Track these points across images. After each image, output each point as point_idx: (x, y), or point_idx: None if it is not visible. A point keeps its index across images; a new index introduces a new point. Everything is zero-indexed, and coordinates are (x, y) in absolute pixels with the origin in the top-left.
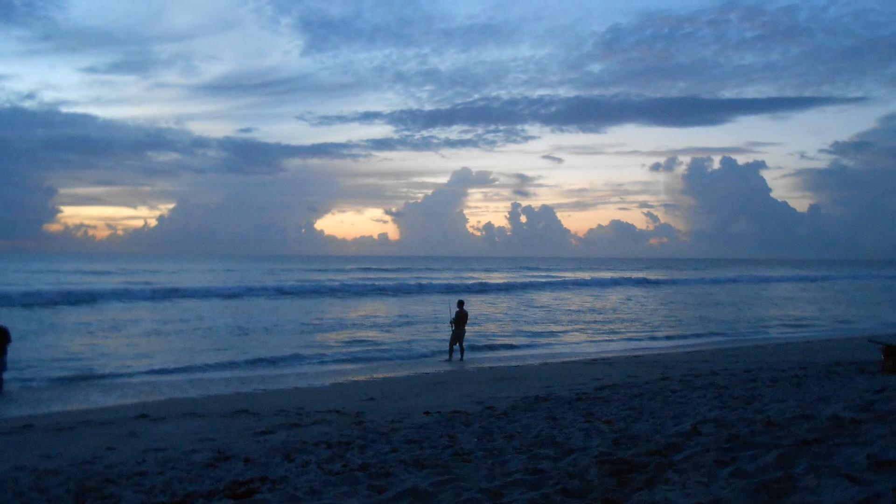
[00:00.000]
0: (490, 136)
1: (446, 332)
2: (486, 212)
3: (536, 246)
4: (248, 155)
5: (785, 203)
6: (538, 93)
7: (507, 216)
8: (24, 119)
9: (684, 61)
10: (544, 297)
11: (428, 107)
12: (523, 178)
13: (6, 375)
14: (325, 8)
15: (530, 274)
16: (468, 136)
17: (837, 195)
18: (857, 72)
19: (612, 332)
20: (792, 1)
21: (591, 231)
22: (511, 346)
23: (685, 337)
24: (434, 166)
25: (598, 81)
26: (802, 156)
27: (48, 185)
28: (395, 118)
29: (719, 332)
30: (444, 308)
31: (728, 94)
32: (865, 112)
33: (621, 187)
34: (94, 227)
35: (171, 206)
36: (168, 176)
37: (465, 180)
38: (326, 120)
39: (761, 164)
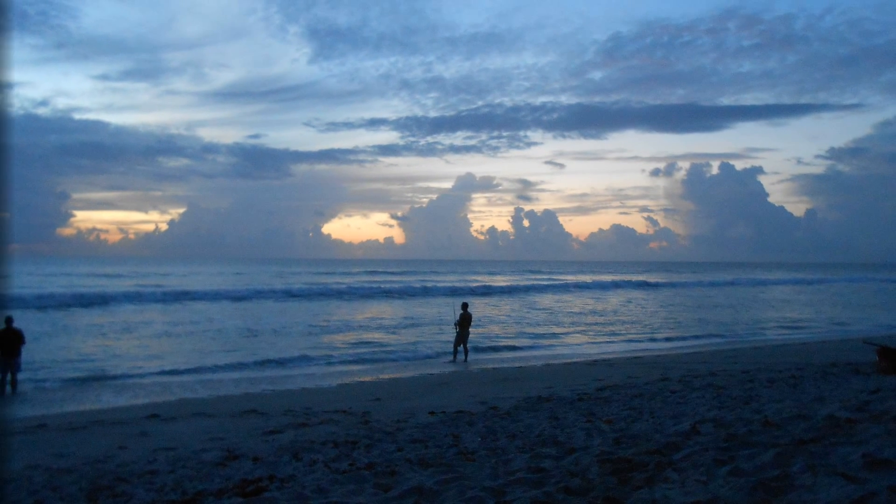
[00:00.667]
0: (493, 142)
1: (451, 333)
2: (489, 216)
3: (539, 249)
4: (256, 160)
5: (782, 207)
6: (540, 100)
7: (511, 220)
8: (37, 125)
9: (683, 69)
10: (546, 300)
11: (433, 113)
12: (526, 184)
13: (20, 376)
14: (332, 17)
15: (533, 277)
16: (472, 142)
17: (833, 200)
18: (852, 79)
19: (613, 333)
20: (789, 10)
21: (592, 235)
22: (514, 348)
23: (684, 339)
24: (439, 172)
25: (600, 88)
26: (799, 161)
27: (61, 189)
28: (401, 124)
29: (718, 334)
30: (449, 310)
31: (726, 100)
32: (861, 118)
33: (622, 192)
34: (107, 232)
35: (181, 210)
36: (178, 181)
37: (469, 185)
38: (333, 126)
39: (759, 170)
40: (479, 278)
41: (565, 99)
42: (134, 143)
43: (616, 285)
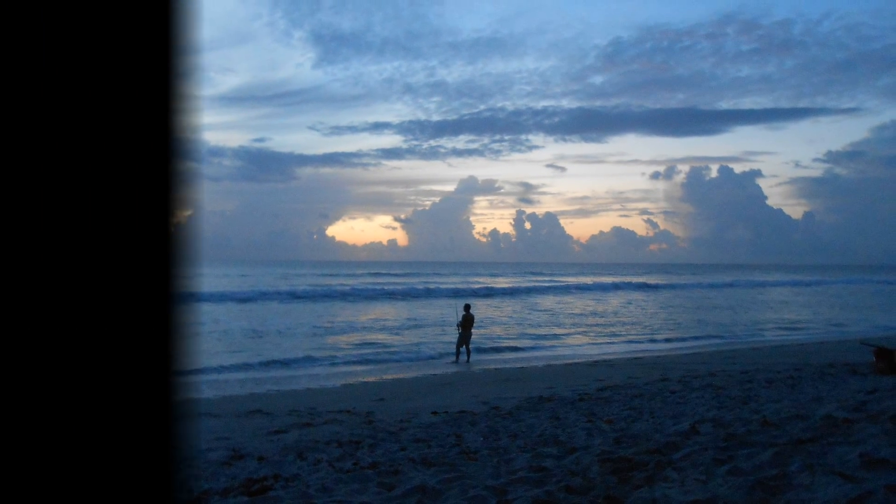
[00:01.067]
0: (495, 146)
1: (453, 334)
2: (491, 219)
3: (540, 252)
4: (262, 164)
5: (780, 210)
6: (542, 104)
7: (512, 223)
8: None
9: (683, 73)
10: (548, 301)
11: (435, 117)
12: (527, 187)
13: None
14: (336, 22)
15: (534, 279)
16: (474, 146)
17: (831, 202)
18: (849, 83)
19: (614, 334)
20: (787, 15)
21: (592, 237)
22: (516, 349)
23: (684, 339)
24: (441, 175)
25: (600, 93)
26: (797, 165)
27: None
28: (404, 128)
29: (717, 335)
30: (451, 312)
31: (725, 104)
32: (858, 122)
33: (622, 195)
34: None
35: (186, 213)
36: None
37: (472, 188)
38: (337, 130)
39: (757, 173)
40: (481, 280)
41: (566, 103)
42: None
43: (616, 287)
